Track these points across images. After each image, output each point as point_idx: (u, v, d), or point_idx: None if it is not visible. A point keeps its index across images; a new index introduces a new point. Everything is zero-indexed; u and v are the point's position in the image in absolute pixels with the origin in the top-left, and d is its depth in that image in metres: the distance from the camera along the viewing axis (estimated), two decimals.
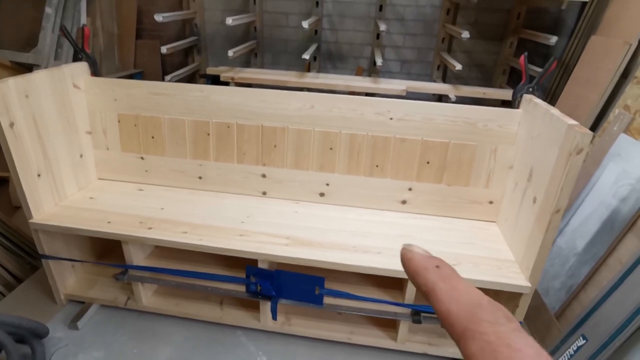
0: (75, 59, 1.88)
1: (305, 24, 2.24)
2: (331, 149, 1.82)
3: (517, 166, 1.68)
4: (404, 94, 2.36)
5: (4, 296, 1.99)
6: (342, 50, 2.89)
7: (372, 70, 2.79)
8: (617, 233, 1.61)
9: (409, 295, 1.58)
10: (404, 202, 1.86)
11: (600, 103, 1.93)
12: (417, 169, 1.80)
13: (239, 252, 1.57)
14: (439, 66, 2.76)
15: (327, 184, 1.88)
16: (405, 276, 1.52)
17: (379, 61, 2.31)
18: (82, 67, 1.87)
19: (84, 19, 2.66)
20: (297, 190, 1.91)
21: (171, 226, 1.69)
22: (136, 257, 1.74)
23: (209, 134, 1.89)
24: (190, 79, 3.14)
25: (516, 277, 1.48)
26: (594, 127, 2.00)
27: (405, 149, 1.77)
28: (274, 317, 1.70)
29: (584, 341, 1.52)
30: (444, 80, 2.81)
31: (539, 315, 1.86)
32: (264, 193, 1.95)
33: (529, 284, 1.45)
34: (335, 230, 1.72)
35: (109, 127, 1.94)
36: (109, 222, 1.69)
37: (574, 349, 1.56)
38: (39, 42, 2.44)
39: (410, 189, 1.84)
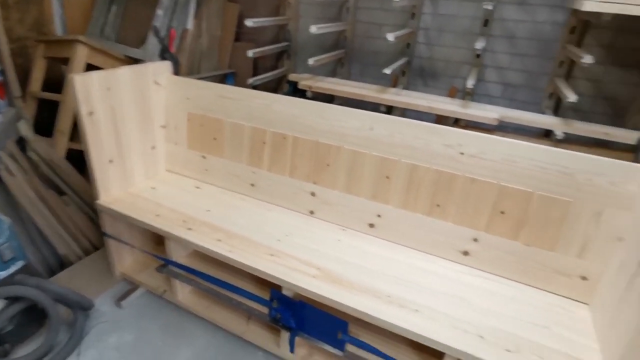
0: (162, 58, 2.01)
1: (390, 37, 2.05)
2: (387, 177, 1.61)
3: (630, 240, 1.26)
4: (496, 123, 2.00)
5: (81, 259, 2.22)
6: (436, 68, 2.60)
7: (466, 92, 2.46)
8: None
9: None
10: (465, 253, 1.55)
11: None
12: (487, 217, 1.48)
13: (263, 274, 1.47)
14: (551, 95, 2.30)
15: (379, 215, 1.67)
16: (441, 349, 1.25)
17: (470, 82, 2.00)
18: (166, 65, 1.98)
19: (190, 21, 2.87)
20: (345, 215, 1.74)
21: (209, 230, 1.67)
22: (176, 253, 1.77)
23: (265, 142, 1.83)
24: (279, 83, 3.19)
25: None
26: None
27: (475, 191, 1.47)
28: (291, 350, 1.56)
29: None
30: (556, 113, 2.33)
31: None
32: (312, 212, 1.82)
33: None
34: (375, 271, 1.50)
35: (179, 124, 2.02)
36: (157, 215, 1.74)
37: None
38: (147, 40, 2.70)
39: (475, 240, 1.52)
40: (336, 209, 1.76)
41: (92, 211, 2.50)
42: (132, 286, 2.01)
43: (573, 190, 1.34)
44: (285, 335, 1.57)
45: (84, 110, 1.65)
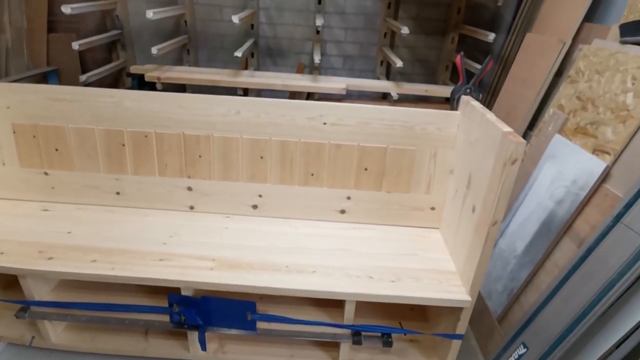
0: None
1: (235, 19, 2.05)
2: (262, 157, 1.66)
3: (457, 171, 1.61)
4: (344, 92, 2.24)
5: None
6: (282, 46, 2.72)
7: (314, 67, 2.65)
8: (554, 236, 1.59)
9: (348, 314, 1.47)
10: (342, 211, 1.75)
11: (536, 102, 1.91)
12: (355, 176, 1.69)
13: (157, 281, 1.39)
14: (382, 62, 2.67)
15: (260, 195, 1.73)
16: (341, 297, 1.42)
17: (316, 58, 2.17)
18: None
19: None
20: (227, 203, 1.75)
21: (78, 254, 1.47)
22: (38, 291, 1.51)
23: (124, 145, 1.67)
24: (117, 78, 2.85)
25: (457, 291, 1.42)
26: (531, 126, 1.98)
27: (341, 155, 1.66)
28: (203, 348, 1.54)
29: (525, 349, 1.49)
30: (388, 77, 2.72)
31: (482, 319, 1.83)
32: (192, 207, 1.77)
33: (469, 298, 1.39)
34: (268, 248, 1.57)
35: (3, 140, 1.67)
36: (0, 254, 1.44)
37: (515, 357, 1.53)
38: None
39: (348, 198, 1.73)
40: (217, 198, 1.74)
41: None
42: None
43: (414, 140, 1.64)
44: (193, 335, 1.53)
45: None
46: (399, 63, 2.13)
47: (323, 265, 1.50)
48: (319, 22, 2.13)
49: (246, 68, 2.63)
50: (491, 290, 1.85)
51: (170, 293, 1.45)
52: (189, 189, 1.73)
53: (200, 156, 1.67)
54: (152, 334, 1.65)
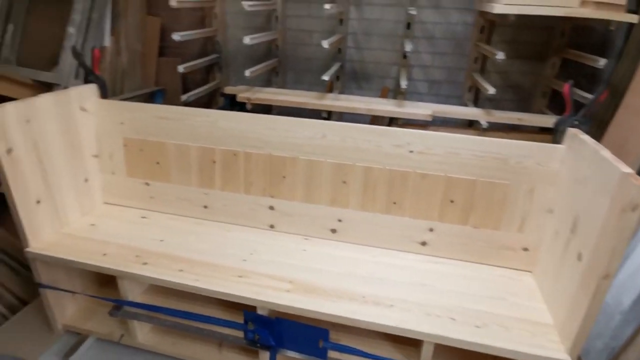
0: (86, 81, 1.84)
1: (325, 44, 2.11)
2: (344, 182, 1.66)
3: (558, 211, 1.45)
4: (430, 119, 2.16)
5: (7, 319, 1.95)
6: (368, 70, 2.73)
7: (397, 91, 2.62)
8: None
9: (425, 356, 1.38)
10: (423, 243, 1.66)
11: None
12: (439, 207, 1.60)
13: (235, 297, 1.43)
14: (470, 87, 2.54)
15: (340, 220, 1.72)
16: (419, 337, 1.33)
17: (403, 83, 2.14)
18: (91, 89, 1.82)
19: (107, 38, 2.66)
20: (307, 225, 1.76)
21: (168, 262, 1.58)
22: (132, 292, 1.64)
23: (214, 162, 1.78)
24: (212, 97, 3.09)
25: (554, 348, 1.25)
26: None
27: (426, 185, 1.58)
28: None
29: None
30: (476, 103, 2.58)
31: None
32: (272, 226, 1.81)
33: (568, 358, 1.21)
34: (345, 275, 1.54)
35: (115, 151, 1.87)
36: (104, 255, 1.60)
37: None
38: (60, 62, 2.45)
39: (431, 230, 1.64)
40: (297, 219, 1.77)
41: (14, 262, 2.21)
42: (79, 337, 1.81)
43: (508, 174, 1.51)
44: (265, 355, 1.54)
45: (1, 148, 1.45)
46: (491, 90, 2.00)
47: (401, 299, 1.43)
48: (408, 47, 2.10)
49: (331, 91, 2.68)
50: (590, 348, 1.61)
51: (246, 311, 1.48)
52: (271, 208, 1.78)
53: (284, 177, 1.71)
54: (226, 347, 1.70)
